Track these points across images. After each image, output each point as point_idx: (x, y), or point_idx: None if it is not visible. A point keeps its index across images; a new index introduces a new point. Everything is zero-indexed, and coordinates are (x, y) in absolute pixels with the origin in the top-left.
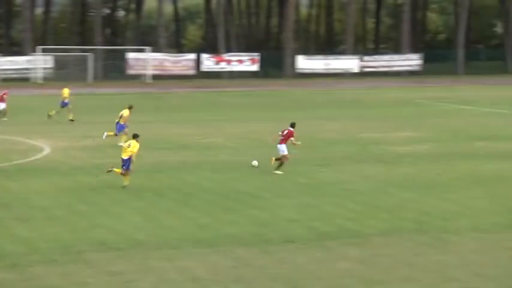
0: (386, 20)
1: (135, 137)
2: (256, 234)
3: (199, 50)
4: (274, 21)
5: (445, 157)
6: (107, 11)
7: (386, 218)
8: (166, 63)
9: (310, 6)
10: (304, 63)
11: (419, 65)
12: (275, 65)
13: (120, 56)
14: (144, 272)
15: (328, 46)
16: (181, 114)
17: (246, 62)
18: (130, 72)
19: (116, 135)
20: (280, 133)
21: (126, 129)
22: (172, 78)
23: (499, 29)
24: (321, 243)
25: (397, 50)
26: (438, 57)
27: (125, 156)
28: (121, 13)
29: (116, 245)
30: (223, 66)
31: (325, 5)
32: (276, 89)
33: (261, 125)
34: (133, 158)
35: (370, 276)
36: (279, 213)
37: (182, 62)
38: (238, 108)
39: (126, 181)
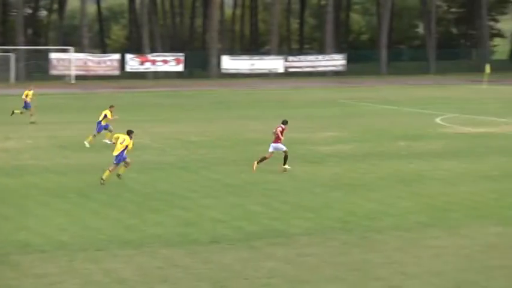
0: (310, 21)
1: (129, 133)
2: (183, 234)
3: (123, 50)
4: (199, 21)
5: (369, 157)
6: (29, 11)
7: (311, 218)
8: (90, 64)
9: (235, 6)
10: (229, 63)
11: (343, 65)
12: (200, 65)
13: (43, 56)
14: (69, 274)
15: (253, 46)
16: None
17: (170, 62)
18: (54, 72)
19: (95, 135)
20: (274, 131)
21: (110, 127)
22: (96, 79)
23: (420, 29)
24: (247, 243)
25: (321, 50)
26: (362, 58)
27: (116, 153)
28: (43, 13)
29: (40, 247)
30: (148, 67)
31: (249, 6)
32: (201, 89)
33: (187, 126)
34: (125, 154)
35: (296, 276)
36: (205, 213)
37: (106, 62)
38: (163, 108)
39: (105, 175)
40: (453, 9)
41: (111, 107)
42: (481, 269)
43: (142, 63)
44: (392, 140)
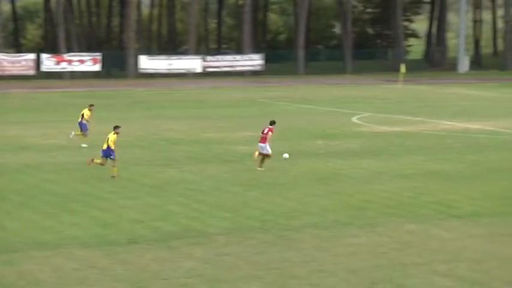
0: (228, 21)
1: (115, 128)
2: (100, 235)
3: (39, 49)
4: (116, 21)
5: None
6: None
7: (229, 217)
8: (5, 63)
9: (152, 6)
10: (147, 63)
11: (261, 65)
12: (117, 65)
13: None
14: None
15: (171, 46)
16: (20, 115)
17: (87, 62)
18: None
19: (83, 134)
20: (262, 133)
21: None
22: (11, 79)
23: (337, 29)
24: (165, 243)
25: (239, 50)
26: (279, 58)
27: (105, 146)
28: None
29: None
30: (64, 67)
31: (167, 5)
32: (118, 89)
33: (105, 125)
34: (112, 147)
35: (214, 275)
36: (123, 214)
37: (21, 62)
38: (80, 108)
39: (114, 172)
40: (369, 10)
41: (90, 105)
42: (396, 266)
43: (58, 63)
44: (310, 139)
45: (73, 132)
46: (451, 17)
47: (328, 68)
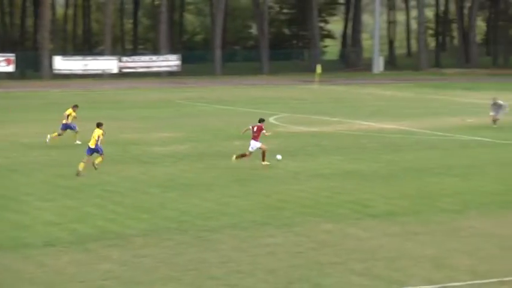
0: (144, 21)
1: (98, 125)
2: (15, 238)
3: None
4: (30, 21)
5: (205, 157)
6: None
7: (147, 219)
8: None
9: (67, 6)
10: (62, 64)
11: (177, 65)
12: (32, 66)
13: None
14: None
15: (86, 47)
16: None
17: (1, 63)
18: None
19: (76, 132)
20: (250, 128)
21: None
22: None
23: (254, 30)
24: (82, 245)
25: (155, 50)
26: (196, 58)
27: (92, 145)
28: None
29: None
30: None
31: (82, 5)
32: (33, 90)
33: (17, 127)
34: (99, 143)
35: (132, 277)
36: (39, 216)
37: None
38: None
39: (98, 160)
40: (285, 11)
41: (74, 106)
42: (313, 265)
43: None
44: (228, 140)
45: (49, 136)
46: (365, 18)
47: (245, 68)
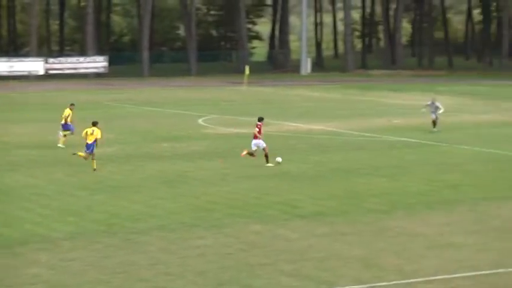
0: (71, 22)
1: (94, 124)
2: None
3: None
4: None
5: (133, 158)
6: None
7: (74, 222)
8: None
9: None
10: None
11: (105, 67)
12: None
13: None
14: None
15: (11, 48)
16: None
17: None
18: None
19: (72, 133)
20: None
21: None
22: None
23: (181, 31)
24: (9, 250)
25: (82, 52)
26: (124, 59)
27: (89, 141)
28: None
29: None
30: None
31: (6, 5)
32: None
33: None
34: (98, 143)
35: (60, 281)
36: None
37: None
38: None
39: (94, 165)
40: (213, 12)
41: (71, 105)
42: (243, 267)
43: None
44: (156, 142)
45: (60, 133)
46: (293, 20)
47: (173, 70)
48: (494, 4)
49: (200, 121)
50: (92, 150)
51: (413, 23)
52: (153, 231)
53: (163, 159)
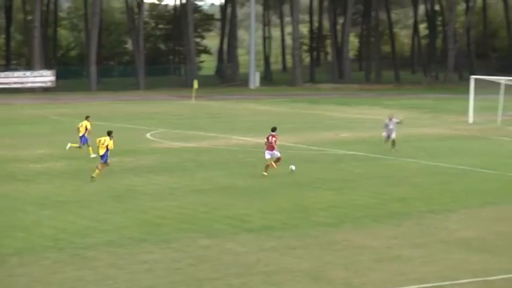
0: (17, 36)
1: (109, 133)
2: None
3: None
4: None
5: (80, 173)
6: None
7: (22, 237)
8: None
9: None
10: None
11: (52, 81)
12: None
13: None
14: None
15: None
16: None
17: None
18: None
19: (80, 147)
20: (266, 140)
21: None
22: None
23: (129, 45)
24: None
25: (29, 66)
26: (71, 74)
27: (102, 152)
28: None
29: None
30: None
31: None
32: None
33: None
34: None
35: None
36: None
37: None
38: None
39: (95, 173)
40: (161, 26)
41: (87, 117)
42: (191, 281)
43: None
44: None
45: (69, 144)
46: (241, 34)
47: (121, 84)
48: (440, 19)
49: (148, 135)
50: (106, 160)
51: (360, 37)
52: (101, 246)
53: (111, 174)
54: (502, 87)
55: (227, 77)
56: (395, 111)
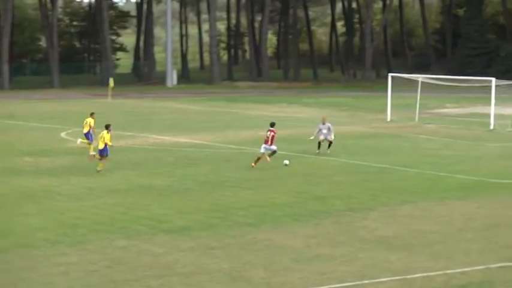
0: None
1: (107, 127)
2: None
3: None
4: None
5: None
6: None
7: None
8: None
9: None
10: None
11: None
12: None
13: None
14: None
15: None
16: None
17: None
18: None
19: (90, 143)
20: (267, 134)
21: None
22: None
23: (43, 43)
24: None
25: None
26: None
27: (101, 147)
28: None
29: None
30: None
31: None
32: None
33: None
34: (108, 146)
35: None
36: None
37: None
38: None
39: (100, 166)
40: (75, 23)
41: (92, 114)
42: (108, 283)
43: None
44: (18, 156)
45: (79, 140)
46: (157, 31)
47: (34, 82)
48: (357, 16)
49: (63, 135)
50: (107, 154)
51: (278, 35)
52: (15, 248)
53: (26, 174)
54: (419, 85)
55: (144, 75)
56: (314, 109)
